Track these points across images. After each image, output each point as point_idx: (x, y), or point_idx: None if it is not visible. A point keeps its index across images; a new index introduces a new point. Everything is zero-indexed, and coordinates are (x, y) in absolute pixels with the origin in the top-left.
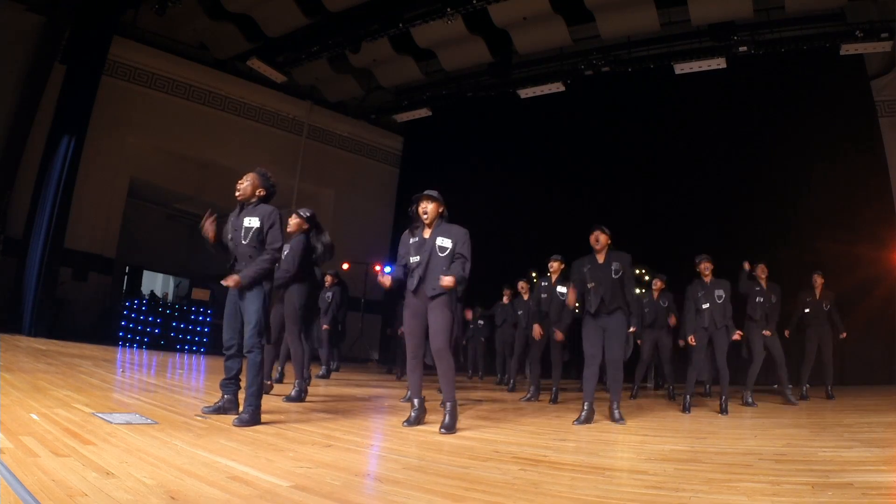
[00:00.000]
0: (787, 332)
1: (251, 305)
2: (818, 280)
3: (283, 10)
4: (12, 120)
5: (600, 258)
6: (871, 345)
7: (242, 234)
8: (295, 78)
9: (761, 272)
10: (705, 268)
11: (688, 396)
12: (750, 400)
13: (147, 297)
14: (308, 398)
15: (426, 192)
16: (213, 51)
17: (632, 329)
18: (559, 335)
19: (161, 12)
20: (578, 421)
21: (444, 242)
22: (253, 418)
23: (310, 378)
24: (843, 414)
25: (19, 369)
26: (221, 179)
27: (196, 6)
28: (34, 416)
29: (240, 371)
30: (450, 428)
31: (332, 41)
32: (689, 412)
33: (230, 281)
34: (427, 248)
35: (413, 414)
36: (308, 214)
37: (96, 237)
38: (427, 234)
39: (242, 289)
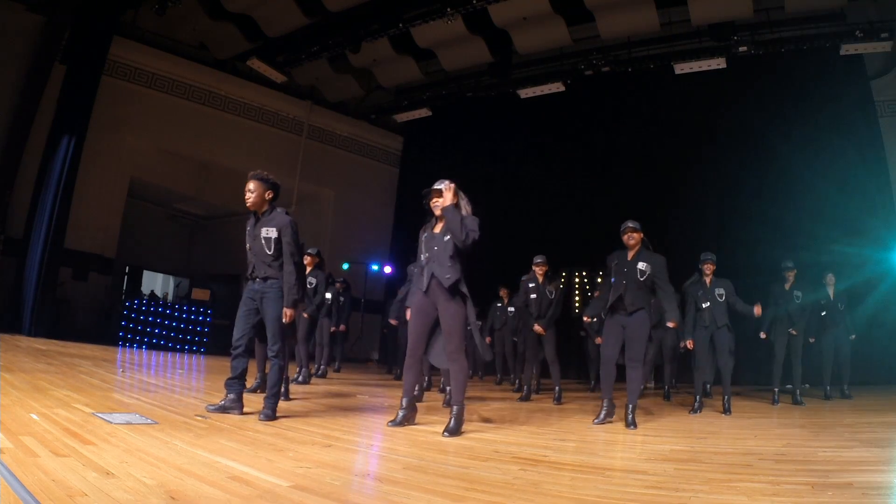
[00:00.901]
0: (793, 331)
1: (273, 311)
2: (831, 279)
3: (283, 10)
4: (12, 120)
5: (629, 255)
6: (871, 345)
7: (263, 244)
8: (295, 78)
9: (790, 275)
10: (706, 268)
11: (698, 397)
12: (777, 399)
13: (147, 297)
14: (308, 398)
15: (435, 187)
16: (213, 51)
17: (671, 324)
18: (540, 329)
19: (161, 12)
20: (599, 419)
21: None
22: (274, 413)
23: (309, 376)
24: (843, 414)
25: (19, 369)
26: (221, 179)
27: (196, 6)
28: (34, 416)
29: (245, 371)
30: (454, 432)
31: (332, 41)
32: (699, 413)
33: (287, 316)
34: (436, 242)
35: (400, 414)
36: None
37: (96, 237)
38: (438, 228)
39: (265, 293)
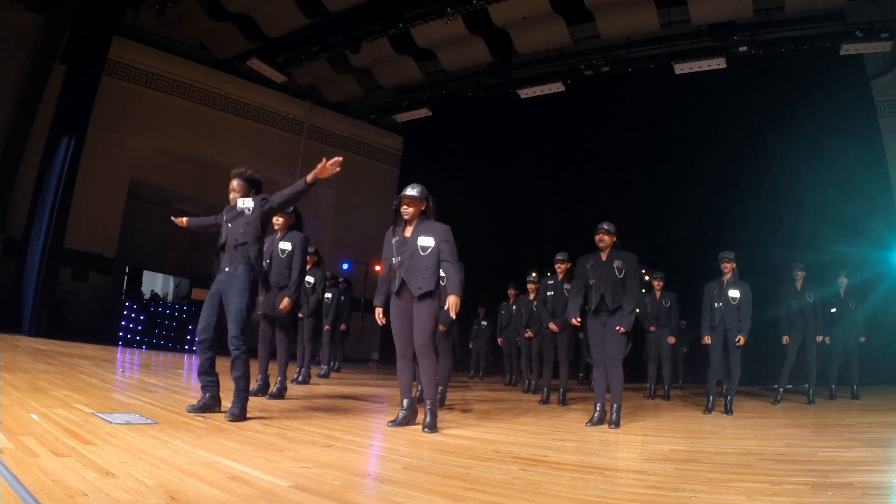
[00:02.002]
0: (824, 339)
1: (236, 301)
2: (843, 280)
3: (283, 10)
4: (12, 120)
5: (604, 256)
6: (871, 345)
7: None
8: (295, 78)
9: (800, 275)
10: (724, 266)
11: (711, 397)
12: (780, 398)
13: (147, 297)
14: (308, 398)
15: (406, 193)
16: (213, 51)
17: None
18: (554, 327)
19: (161, 12)
20: (591, 422)
21: (426, 241)
22: (243, 413)
23: (309, 376)
24: (844, 414)
25: (19, 369)
26: (221, 179)
27: (196, 6)
28: (34, 416)
29: (214, 361)
30: (431, 427)
31: (332, 41)
32: (712, 413)
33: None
34: (408, 247)
35: (400, 414)
36: (291, 208)
37: (96, 237)
38: (408, 232)
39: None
